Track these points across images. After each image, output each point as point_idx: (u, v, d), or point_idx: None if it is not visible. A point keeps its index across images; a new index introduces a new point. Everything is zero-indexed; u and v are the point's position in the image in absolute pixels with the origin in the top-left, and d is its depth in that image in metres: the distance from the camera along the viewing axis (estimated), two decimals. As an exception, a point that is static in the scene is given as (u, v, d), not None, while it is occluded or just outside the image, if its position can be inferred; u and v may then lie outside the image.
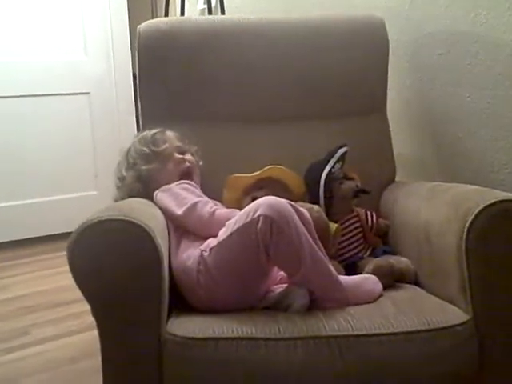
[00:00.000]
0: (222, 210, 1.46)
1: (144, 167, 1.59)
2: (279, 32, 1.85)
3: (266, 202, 1.22)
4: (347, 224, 1.65)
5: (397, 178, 1.87)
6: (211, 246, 1.30)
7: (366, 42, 1.87)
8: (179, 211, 1.43)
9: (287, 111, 1.87)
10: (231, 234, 1.26)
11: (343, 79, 1.87)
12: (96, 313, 1.18)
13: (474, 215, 1.23)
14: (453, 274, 1.29)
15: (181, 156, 1.63)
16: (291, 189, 1.65)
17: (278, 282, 1.37)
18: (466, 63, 1.85)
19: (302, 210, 1.32)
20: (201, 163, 1.68)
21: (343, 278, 1.33)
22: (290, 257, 1.23)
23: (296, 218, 1.24)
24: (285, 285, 1.32)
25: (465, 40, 1.84)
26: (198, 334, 1.17)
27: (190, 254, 1.33)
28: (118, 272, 1.15)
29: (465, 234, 1.24)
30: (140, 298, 1.17)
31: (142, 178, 1.58)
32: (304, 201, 1.56)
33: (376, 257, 1.58)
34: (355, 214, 1.68)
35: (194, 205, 1.43)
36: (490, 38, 1.77)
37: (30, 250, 3.10)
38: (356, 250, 1.63)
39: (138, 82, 1.83)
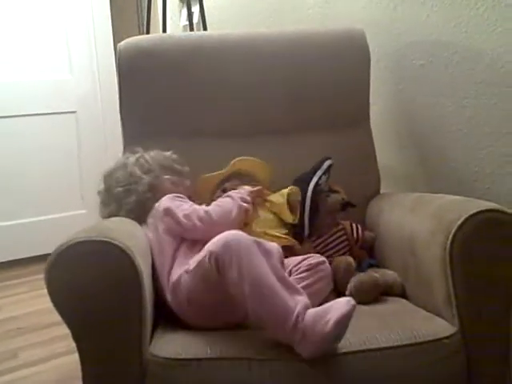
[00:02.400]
0: (213, 203, 1.49)
1: (166, 176, 1.59)
2: (261, 46, 1.85)
3: (222, 237, 1.19)
4: (334, 237, 1.63)
5: (382, 190, 1.86)
6: (186, 268, 1.29)
7: (347, 54, 1.86)
8: (182, 218, 1.42)
9: (271, 125, 1.86)
10: (189, 270, 1.27)
11: (325, 92, 1.86)
12: (75, 336, 1.15)
13: (457, 226, 1.22)
14: (438, 286, 1.28)
15: (189, 182, 1.65)
16: (260, 179, 1.67)
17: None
18: (448, 73, 1.85)
19: (269, 244, 1.24)
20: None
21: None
22: (237, 292, 1.17)
23: (250, 250, 1.16)
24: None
25: (446, 50, 1.84)
26: (181, 355, 1.14)
27: (182, 272, 1.31)
28: (96, 294, 1.12)
29: (448, 245, 1.23)
30: (120, 319, 1.15)
31: (154, 185, 1.57)
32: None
33: (362, 270, 1.56)
34: (341, 227, 1.66)
35: (193, 211, 1.44)
36: (470, 47, 1.77)
37: (20, 271, 3.07)
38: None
39: (119, 101, 1.82)
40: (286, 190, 1.62)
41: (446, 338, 1.20)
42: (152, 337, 1.23)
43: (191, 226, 1.41)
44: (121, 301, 1.14)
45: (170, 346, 1.18)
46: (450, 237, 1.23)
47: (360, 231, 1.67)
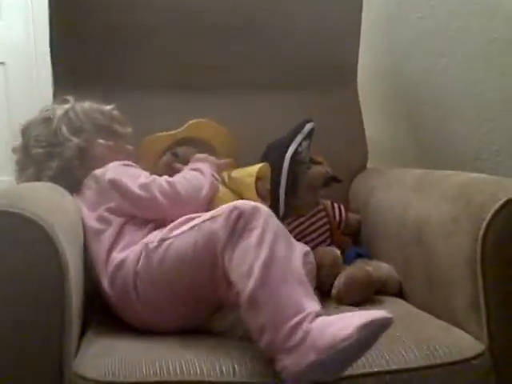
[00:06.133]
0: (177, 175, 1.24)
1: (101, 140, 1.29)
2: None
3: (250, 202, 0.99)
4: (314, 220, 1.36)
5: (368, 165, 1.63)
6: (162, 235, 1.04)
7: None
8: (138, 190, 1.14)
9: (238, 77, 1.58)
10: (193, 226, 1.01)
11: (306, 39, 1.59)
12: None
13: (494, 211, 0.95)
14: (460, 289, 1.01)
15: (131, 148, 1.36)
16: (217, 149, 1.41)
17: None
18: (452, 28, 1.66)
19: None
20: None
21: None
22: (242, 264, 0.92)
23: (280, 227, 0.96)
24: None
25: (451, 1, 1.65)
26: (119, 377, 0.83)
27: (128, 253, 1.06)
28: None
29: (481, 235, 0.96)
30: (31, 325, 0.84)
31: (85, 151, 1.26)
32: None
33: (348, 261, 1.30)
34: (321, 207, 1.39)
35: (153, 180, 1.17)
36: None
37: None
38: (323, 252, 1.35)
39: (49, 40, 1.55)
40: (254, 168, 1.29)
41: (474, 358, 0.93)
42: (79, 346, 0.93)
43: (150, 200, 1.14)
44: (34, 299, 0.84)
45: (104, 360, 0.87)
46: (484, 225, 0.95)
47: (343, 213, 1.42)
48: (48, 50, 2.96)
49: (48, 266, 0.84)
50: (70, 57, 1.50)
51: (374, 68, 1.83)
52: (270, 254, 0.89)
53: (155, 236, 1.05)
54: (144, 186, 1.14)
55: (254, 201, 1.20)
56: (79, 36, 1.50)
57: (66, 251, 0.86)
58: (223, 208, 0.97)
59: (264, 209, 0.96)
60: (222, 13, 1.54)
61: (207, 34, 1.54)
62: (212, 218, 0.98)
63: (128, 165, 1.23)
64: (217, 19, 1.54)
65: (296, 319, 0.83)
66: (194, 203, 1.17)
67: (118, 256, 1.06)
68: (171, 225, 1.06)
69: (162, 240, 1.03)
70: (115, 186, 1.14)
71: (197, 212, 1.09)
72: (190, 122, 1.39)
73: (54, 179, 1.19)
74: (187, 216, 1.06)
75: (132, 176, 1.17)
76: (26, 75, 3.05)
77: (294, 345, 0.82)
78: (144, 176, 1.18)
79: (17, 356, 0.83)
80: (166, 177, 1.19)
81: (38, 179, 1.21)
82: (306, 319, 0.84)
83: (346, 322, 0.81)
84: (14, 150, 1.29)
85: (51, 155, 1.24)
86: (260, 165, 1.27)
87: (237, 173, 1.33)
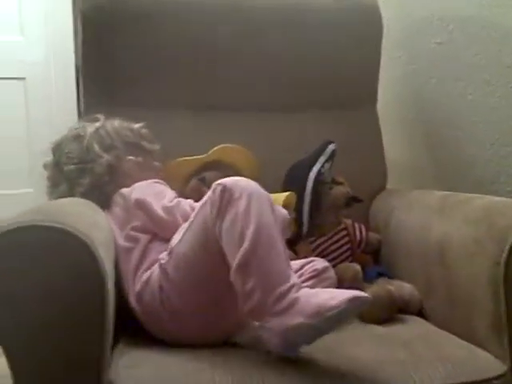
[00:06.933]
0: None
1: (130, 157, 1.31)
2: (254, 5, 1.57)
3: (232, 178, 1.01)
4: (336, 238, 1.38)
5: (387, 186, 1.63)
6: (169, 248, 1.06)
7: (357, 21, 1.61)
8: (161, 212, 1.16)
9: (261, 101, 1.59)
10: (190, 224, 1.04)
11: (328, 64, 1.60)
12: (9, 353, 0.84)
13: None
14: (482, 309, 1.03)
15: (159, 164, 1.37)
16: (245, 172, 1.37)
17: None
18: (470, 54, 1.67)
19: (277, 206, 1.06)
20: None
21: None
22: (232, 233, 0.95)
23: (262, 196, 0.98)
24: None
25: (469, 27, 1.67)
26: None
27: (152, 270, 1.08)
28: (40, 300, 0.83)
29: (504, 258, 0.98)
30: (71, 335, 0.85)
31: (115, 167, 1.28)
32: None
33: (369, 279, 1.31)
34: (343, 226, 1.41)
35: (177, 203, 1.18)
36: (499, 24, 1.62)
37: None
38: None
39: (81, 59, 1.53)
40: (281, 197, 1.25)
41: (496, 378, 0.94)
42: (112, 355, 0.94)
43: (172, 222, 1.14)
44: (75, 311, 0.84)
45: (137, 371, 0.90)
46: (507, 247, 0.97)
47: (364, 232, 1.43)
48: (66, 66, 3.00)
49: (89, 280, 0.85)
50: (100, 76, 1.51)
51: (393, 91, 1.84)
52: (258, 221, 0.93)
53: (166, 252, 1.07)
54: (167, 209, 1.15)
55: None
56: (107, 56, 1.51)
57: (107, 267, 0.88)
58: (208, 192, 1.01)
59: (245, 179, 1.00)
60: (243, 38, 1.56)
61: (231, 56, 1.56)
62: (201, 206, 1.01)
63: (155, 183, 1.24)
64: (238, 43, 1.56)
65: (284, 287, 0.89)
66: None
67: (144, 275, 1.08)
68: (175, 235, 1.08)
69: (171, 251, 1.05)
70: (140, 205, 1.16)
71: None
72: (216, 147, 1.40)
73: (85, 195, 1.21)
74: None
75: (157, 195, 1.18)
76: (45, 91, 3.03)
77: (283, 309, 0.88)
78: (169, 197, 1.19)
79: (62, 363, 0.85)
80: (190, 201, 1.19)
81: (71, 195, 1.23)
82: (292, 288, 0.89)
83: (333, 294, 0.87)
84: (45, 167, 1.31)
85: (83, 171, 1.25)
86: (287, 193, 1.25)
87: None
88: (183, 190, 1.35)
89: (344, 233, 1.39)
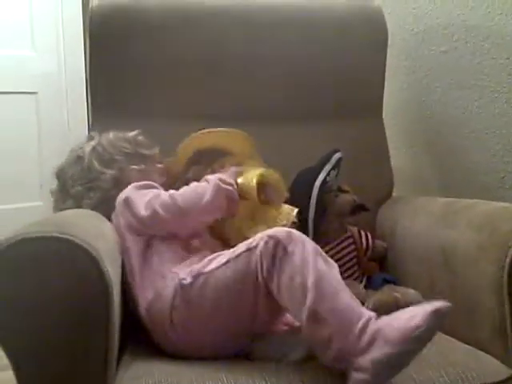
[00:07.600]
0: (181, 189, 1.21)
1: (133, 166, 1.31)
2: (263, 17, 1.59)
3: (281, 228, 1.01)
4: (342, 246, 1.38)
5: (393, 193, 1.63)
6: (196, 271, 1.03)
7: (362, 32, 1.62)
8: (143, 209, 1.14)
9: (268, 110, 1.60)
10: (228, 260, 1.01)
11: (334, 74, 1.61)
12: (14, 362, 0.86)
13: None
14: (486, 314, 1.04)
15: (162, 166, 1.37)
16: (237, 150, 1.38)
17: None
18: (475, 62, 1.66)
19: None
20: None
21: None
22: (293, 288, 0.93)
23: (316, 249, 0.97)
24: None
25: (474, 35, 1.66)
26: None
27: (162, 286, 1.06)
28: (45, 310, 0.84)
29: (507, 262, 0.99)
30: (77, 346, 0.86)
31: (120, 179, 1.28)
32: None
33: (375, 287, 1.31)
34: (349, 234, 1.41)
35: (156, 195, 1.16)
36: (505, 32, 1.60)
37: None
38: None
39: (88, 71, 1.55)
40: (253, 175, 1.23)
41: (501, 382, 0.95)
42: (117, 369, 0.95)
43: (152, 216, 1.13)
44: (80, 321, 0.86)
45: (142, 382, 0.89)
46: (510, 253, 0.99)
47: (370, 240, 1.44)
48: (77, 82, 3.02)
49: (95, 290, 0.86)
50: (108, 89, 1.53)
51: (398, 100, 1.84)
52: (317, 272, 0.91)
53: (186, 272, 1.04)
54: (147, 204, 1.13)
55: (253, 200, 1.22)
56: (114, 69, 1.53)
57: (112, 278, 0.89)
58: (256, 239, 0.98)
59: (297, 232, 0.98)
60: (249, 44, 1.57)
61: (234, 64, 1.57)
62: (248, 249, 0.99)
63: (146, 185, 1.22)
64: (244, 50, 1.57)
65: (361, 323, 0.86)
66: (194, 212, 1.15)
67: (156, 283, 1.07)
68: (204, 260, 1.05)
69: (197, 276, 1.02)
70: (126, 203, 1.15)
71: (201, 221, 1.15)
72: (207, 130, 1.36)
73: (94, 209, 1.22)
74: (217, 253, 1.05)
75: (143, 196, 1.16)
76: (57, 105, 3.05)
77: (367, 344, 0.84)
78: (153, 193, 1.17)
79: (67, 374, 0.86)
80: (171, 191, 1.18)
81: (78, 207, 1.24)
82: (370, 321, 0.86)
83: (412, 313, 0.84)
84: (51, 193, 1.32)
85: (90, 190, 1.27)
86: (263, 169, 1.24)
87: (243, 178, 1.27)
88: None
89: (350, 240, 1.40)
